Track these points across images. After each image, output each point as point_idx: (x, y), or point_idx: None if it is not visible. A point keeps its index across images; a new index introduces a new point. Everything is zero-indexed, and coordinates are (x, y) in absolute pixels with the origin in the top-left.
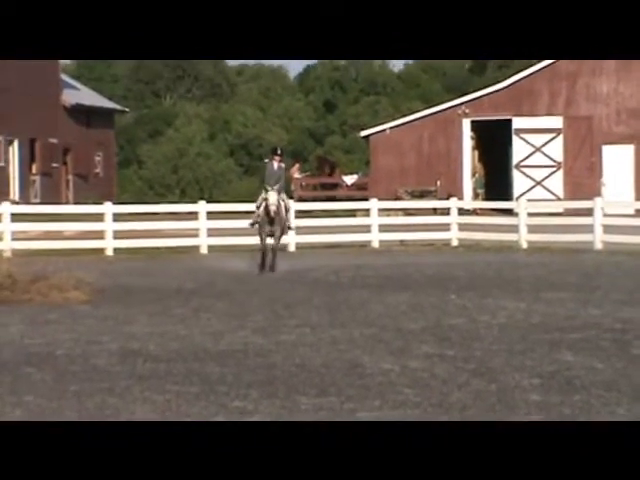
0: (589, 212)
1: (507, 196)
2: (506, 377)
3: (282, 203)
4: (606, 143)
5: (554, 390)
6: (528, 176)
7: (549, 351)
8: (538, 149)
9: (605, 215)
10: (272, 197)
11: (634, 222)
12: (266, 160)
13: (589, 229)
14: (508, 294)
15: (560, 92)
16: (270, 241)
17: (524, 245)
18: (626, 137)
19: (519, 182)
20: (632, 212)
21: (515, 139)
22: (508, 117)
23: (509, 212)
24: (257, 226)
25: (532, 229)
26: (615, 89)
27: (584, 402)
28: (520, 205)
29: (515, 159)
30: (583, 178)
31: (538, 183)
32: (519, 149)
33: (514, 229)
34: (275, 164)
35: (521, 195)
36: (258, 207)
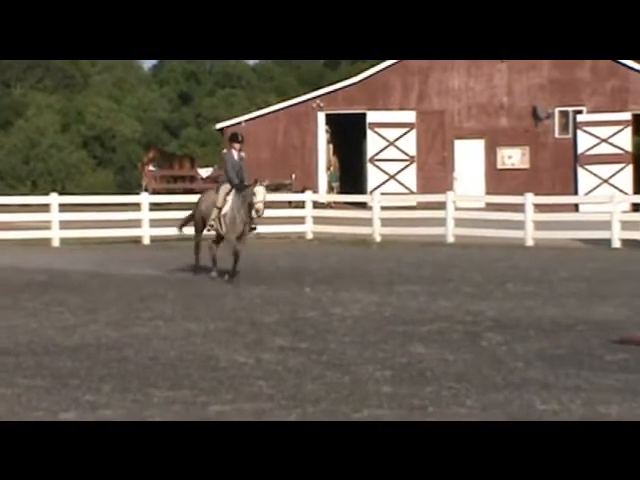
0: (441, 206)
1: (361, 190)
2: (359, 369)
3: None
4: (458, 138)
5: (406, 382)
6: (382, 170)
7: (401, 343)
8: (392, 143)
9: (457, 209)
10: (261, 194)
11: (485, 215)
12: (224, 150)
13: (441, 222)
14: (362, 287)
15: (413, 87)
16: (237, 243)
17: (378, 238)
18: (477, 132)
19: (373, 176)
20: (483, 205)
21: (369, 133)
22: (362, 111)
23: (363, 205)
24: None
25: (386, 222)
26: (466, 84)
27: (435, 394)
28: (374, 199)
29: (369, 153)
30: (435, 172)
31: (392, 177)
32: (373, 143)
33: (368, 222)
34: (235, 153)
35: (375, 189)
36: (219, 207)
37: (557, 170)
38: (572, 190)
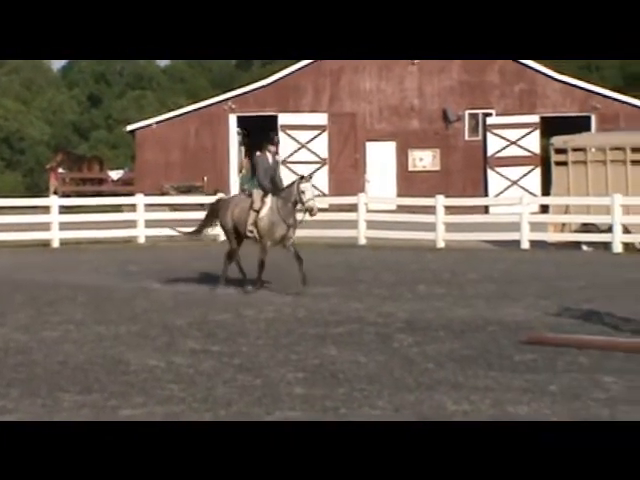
0: (353, 208)
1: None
2: (271, 371)
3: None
4: (369, 140)
5: (318, 383)
6: (294, 172)
7: (314, 345)
8: (303, 145)
9: (368, 211)
10: (310, 191)
11: (396, 218)
12: (257, 153)
13: (353, 225)
14: (275, 289)
15: (324, 89)
16: (290, 244)
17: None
18: (388, 134)
19: (285, 178)
20: (394, 208)
21: (281, 135)
22: (274, 113)
23: None
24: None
25: (299, 225)
26: (377, 86)
27: (347, 395)
28: None
29: (281, 155)
30: (347, 174)
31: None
32: (285, 145)
33: None
34: (269, 156)
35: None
36: (256, 209)
37: (467, 172)
38: (482, 192)
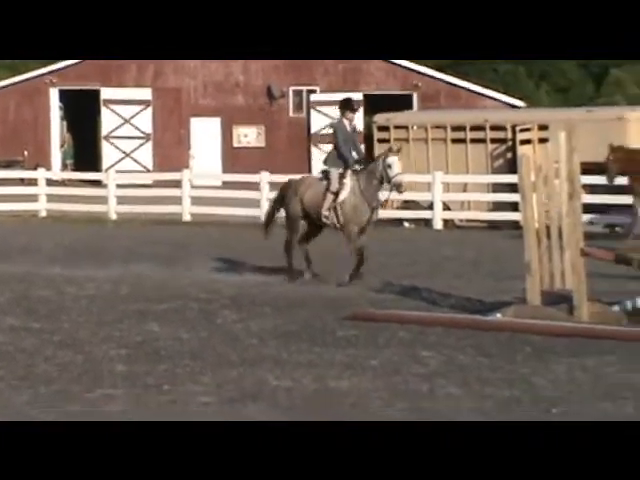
0: (178, 184)
1: (96, 167)
2: (93, 348)
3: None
4: (194, 115)
5: (141, 360)
6: (117, 147)
7: (137, 322)
8: (127, 121)
9: (193, 187)
10: (397, 165)
11: (221, 194)
12: (333, 120)
13: (178, 201)
14: (97, 265)
15: (148, 64)
16: (358, 237)
17: (113, 217)
18: (213, 110)
19: (108, 153)
20: (219, 184)
21: (104, 110)
22: (96, 87)
23: (98, 183)
24: (329, 214)
25: (121, 200)
26: (202, 62)
27: (170, 372)
28: (109, 176)
29: (104, 130)
30: (172, 150)
31: (127, 155)
32: (108, 120)
33: (103, 200)
34: (347, 123)
35: (110, 167)
36: (334, 191)
37: (292, 149)
38: (306, 169)
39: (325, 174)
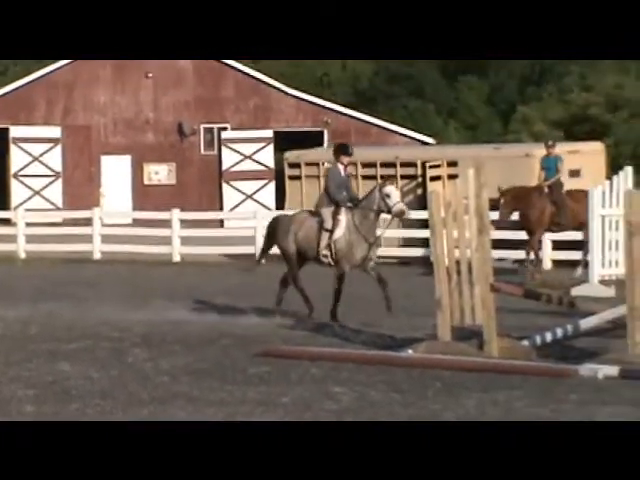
0: (88, 222)
1: (5, 206)
2: (1, 388)
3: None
4: (104, 153)
5: (50, 400)
6: (27, 185)
7: (46, 362)
8: (36, 158)
9: (104, 225)
10: (395, 194)
11: (132, 232)
12: (327, 165)
13: (88, 239)
14: (6, 305)
15: (58, 101)
16: (372, 266)
17: (22, 255)
18: (123, 147)
19: (18, 191)
20: (130, 222)
21: (13, 148)
22: (5, 126)
23: (7, 222)
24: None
25: (30, 239)
26: (112, 99)
27: (80, 411)
28: (18, 215)
29: (13, 168)
30: (82, 188)
31: (37, 193)
32: (17, 158)
33: (12, 239)
34: (342, 169)
35: (20, 205)
36: (328, 229)
37: (203, 186)
38: (218, 206)
39: (313, 212)
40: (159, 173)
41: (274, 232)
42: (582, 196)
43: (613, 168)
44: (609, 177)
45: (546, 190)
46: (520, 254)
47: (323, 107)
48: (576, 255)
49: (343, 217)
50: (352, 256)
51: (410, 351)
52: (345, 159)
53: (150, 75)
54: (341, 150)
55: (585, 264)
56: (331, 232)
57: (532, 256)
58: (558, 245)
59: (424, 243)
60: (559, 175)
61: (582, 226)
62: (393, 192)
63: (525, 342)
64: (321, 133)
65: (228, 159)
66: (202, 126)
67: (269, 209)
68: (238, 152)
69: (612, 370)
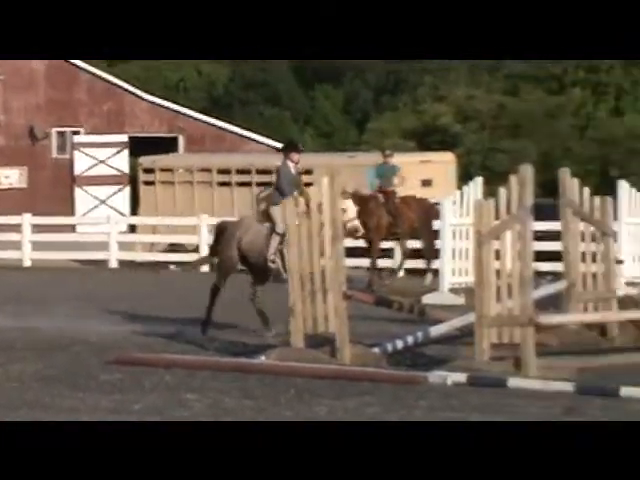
0: None
1: None
2: None
3: None
4: None
5: None
6: None
7: None
8: None
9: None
10: (352, 209)
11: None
12: (278, 163)
13: None
14: None
15: None
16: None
17: None
18: None
19: None
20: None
21: None
22: None
23: None
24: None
25: None
26: None
27: None
28: None
29: None
30: None
31: None
32: None
33: None
34: (292, 166)
35: None
36: (280, 232)
37: (55, 190)
38: (70, 211)
39: (266, 215)
40: (10, 177)
41: (217, 239)
42: (414, 201)
43: (463, 178)
44: (460, 187)
45: (382, 199)
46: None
47: (178, 113)
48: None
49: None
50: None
51: (263, 358)
52: (295, 156)
53: (0, 77)
54: (291, 147)
55: (435, 272)
56: (283, 236)
57: (378, 264)
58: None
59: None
60: (394, 185)
61: (416, 233)
62: (350, 207)
63: (376, 349)
64: (176, 139)
65: (81, 163)
66: (54, 130)
67: (123, 214)
68: (92, 156)
69: (460, 377)
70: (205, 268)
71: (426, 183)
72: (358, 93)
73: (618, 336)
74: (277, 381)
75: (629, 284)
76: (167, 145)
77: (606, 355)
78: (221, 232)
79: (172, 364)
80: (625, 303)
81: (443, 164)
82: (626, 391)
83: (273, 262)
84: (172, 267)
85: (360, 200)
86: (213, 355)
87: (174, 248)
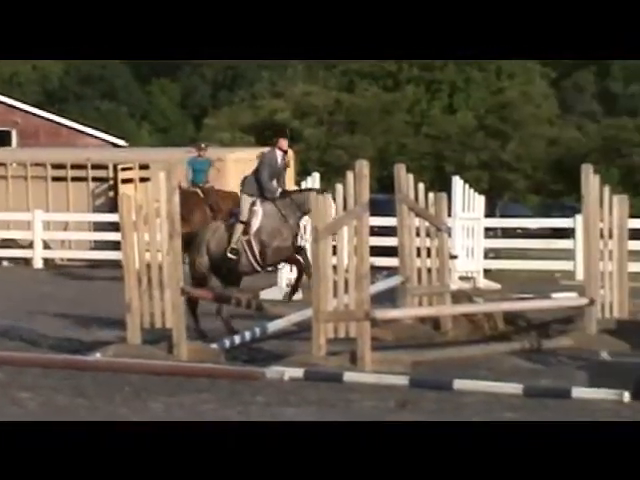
0: None
1: None
2: None
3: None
4: None
5: None
6: None
7: None
8: None
9: None
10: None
11: None
12: (264, 150)
13: None
14: None
15: None
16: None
17: None
18: None
19: None
20: None
21: None
22: None
23: None
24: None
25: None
26: None
27: None
28: None
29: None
30: None
31: None
32: None
33: None
34: (279, 155)
35: None
36: (246, 221)
37: None
38: None
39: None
40: None
41: (187, 246)
42: (227, 195)
43: (301, 174)
44: (298, 183)
45: (201, 194)
46: None
47: (11, 106)
48: None
49: (259, 207)
50: (281, 240)
51: (98, 355)
52: (284, 143)
53: None
54: (280, 134)
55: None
56: (246, 224)
57: None
58: None
59: (116, 246)
60: (208, 179)
61: None
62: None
63: (214, 345)
64: (9, 133)
65: None
66: None
67: None
68: None
69: (297, 372)
70: (39, 264)
71: None
72: (196, 88)
73: (452, 330)
74: (112, 378)
75: (463, 279)
76: (0, 139)
77: (440, 349)
78: (190, 238)
79: (2, 361)
80: (458, 297)
81: None
82: (459, 384)
83: (234, 252)
84: (5, 263)
85: (182, 195)
86: (46, 352)
87: (7, 244)
